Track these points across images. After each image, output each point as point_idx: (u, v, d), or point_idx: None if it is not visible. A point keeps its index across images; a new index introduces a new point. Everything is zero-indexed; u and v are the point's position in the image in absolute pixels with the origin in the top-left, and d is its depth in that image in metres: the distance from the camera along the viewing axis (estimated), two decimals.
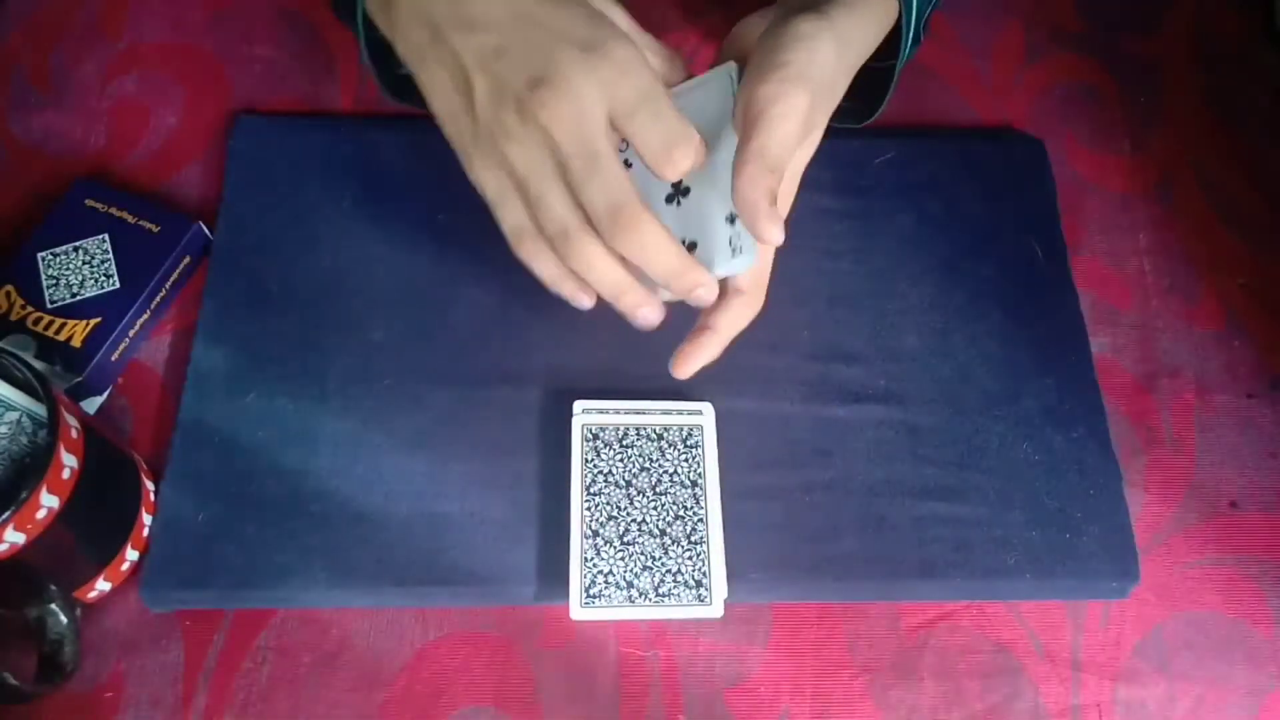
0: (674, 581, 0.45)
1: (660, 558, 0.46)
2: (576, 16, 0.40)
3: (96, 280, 0.51)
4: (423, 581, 0.46)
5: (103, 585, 0.45)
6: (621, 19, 0.43)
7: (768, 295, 0.44)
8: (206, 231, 0.54)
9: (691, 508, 0.47)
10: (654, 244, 0.39)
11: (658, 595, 0.45)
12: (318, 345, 0.51)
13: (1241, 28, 0.64)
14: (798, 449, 0.49)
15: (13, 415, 0.42)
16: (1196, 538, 0.50)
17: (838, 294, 0.53)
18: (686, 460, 0.48)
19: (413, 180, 0.55)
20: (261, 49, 0.60)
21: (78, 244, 0.51)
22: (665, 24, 0.62)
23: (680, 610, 0.45)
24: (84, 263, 0.51)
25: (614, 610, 0.45)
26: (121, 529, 0.45)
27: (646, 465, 0.47)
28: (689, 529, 0.46)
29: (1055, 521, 0.48)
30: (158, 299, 0.52)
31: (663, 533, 0.46)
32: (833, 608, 0.48)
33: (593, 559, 0.45)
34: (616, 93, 0.39)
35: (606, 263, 0.40)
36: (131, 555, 0.46)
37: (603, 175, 0.39)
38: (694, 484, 0.47)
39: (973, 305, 0.53)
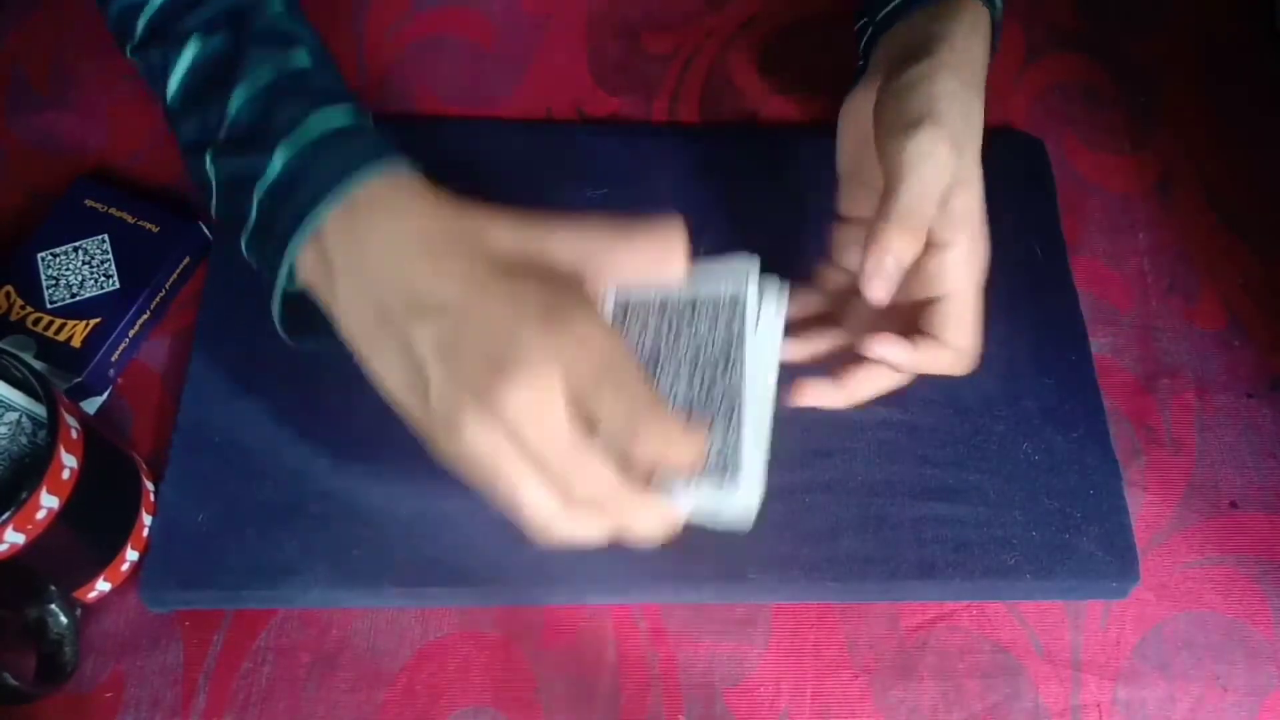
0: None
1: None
2: (532, 282, 0.38)
3: (96, 280, 0.51)
4: (423, 581, 0.46)
5: (103, 585, 0.45)
6: (584, 239, 0.40)
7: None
8: (206, 231, 0.54)
9: (722, 386, 0.40)
10: (649, 516, 0.38)
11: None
12: None
13: (1241, 28, 0.64)
14: (798, 449, 0.49)
15: (13, 415, 0.42)
16: (1196, 538, 0.50)
17: None
18: (724, 331, 0.41)
19: None
20: None
21: (77, 244, 0.51)
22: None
23: (703, 502, 0.39)
24: (84, 263, 0.51)
25: None
26: (121, 529, 0.45)
27: (675, 340, 0.42)
28: (720, 409, 0.40)
29: (1055, 521, 0.48)
30: (157, 299, 0.52)
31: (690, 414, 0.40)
32: (833, 608, 0.48)
33: None
34: (580, 369, 0.36)
35: (594, 531, 0.39)
36: (131, 555, 0.46)
37: (582, 471, 0.36)
38: (727, 358, 0.41)
39: None
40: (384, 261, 0.39)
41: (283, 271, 0.40)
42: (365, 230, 0.39)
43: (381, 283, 0.38)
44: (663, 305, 0.42)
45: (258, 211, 0.41)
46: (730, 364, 0.40)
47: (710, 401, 0.40)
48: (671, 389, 0.40)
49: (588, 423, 0.36)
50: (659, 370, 0.41)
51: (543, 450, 0.36)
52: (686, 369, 0.41)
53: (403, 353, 0.38)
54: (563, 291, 0.37)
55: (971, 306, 0.44)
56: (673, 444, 0.36)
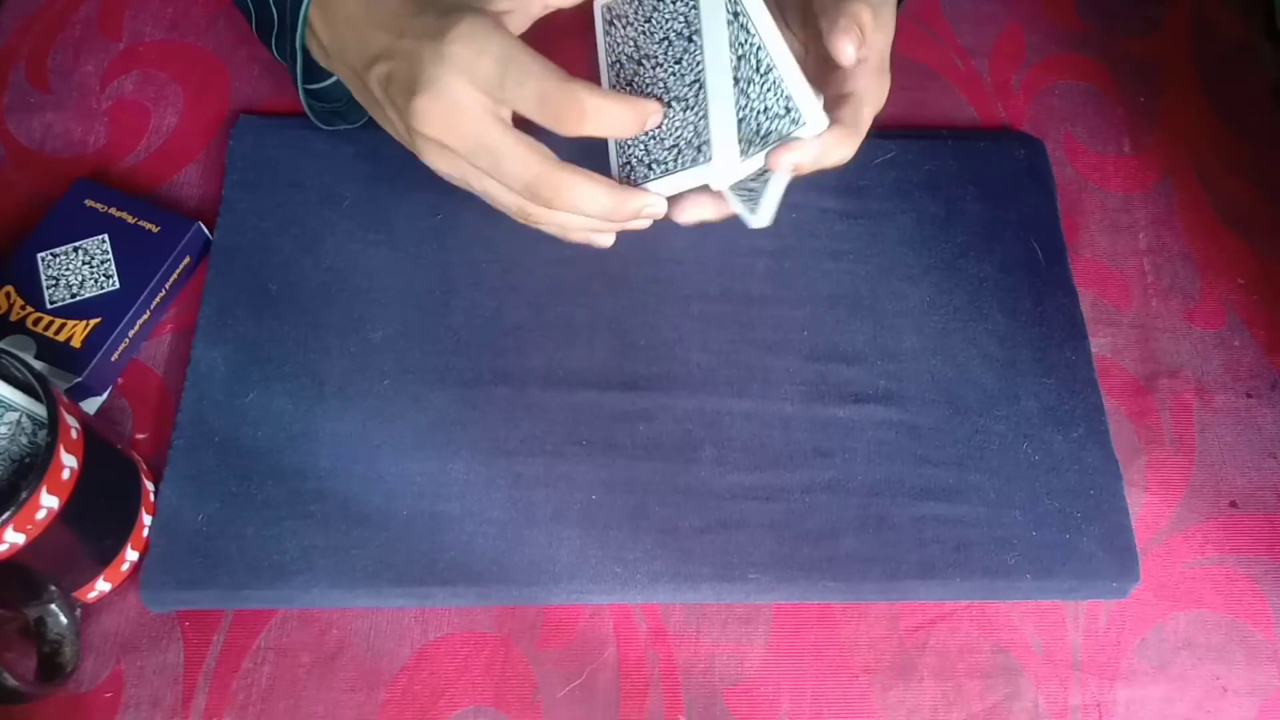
0: (683, 146, 0.41)
1: (672, 125, 0.41)
2: (432, 9, 0.41)
3: (96, 280, 0.51)
4: (423, 581, 0.46)
5: (103, 585, 0.45)
6: None
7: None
8: (206, 232, 0.54)
9: (689, 63, 0.40)
10: (582, 196, 0.41)
11: (673, 166, 0.40)
12: (318, 345, 0.51)
13: (1241, 28, 0.64)
14: (798, 449, 0.49)
15: (13, 415, 0.42)
16: (1196, 538, 0.50)
17: (838, 294, 0.53)
18: (683, 5, 0.41)
19: (412, 180, 0.55)
20: (261, 49, 0.60)
21: (77, 244, 0.51)
22: None
23: (687, 177, 0.40)
24: (84, 263, 0.51)
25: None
26: (121, 529, 0.45)
27: (655, 29, 0.42)
28: (688, 88, 0.41)
29: (1055, 521, 0.48)
30: (158, 299, 0.52)
31: (672, 100, 0.41)
32: (833, 608, 0.48)
33: (623, 143, 0.42)
34: (479, 73, 0.39)
35: (564, 219, 0.42)
36: (131, 555, 0.46)
37: (506, 162, 0.40)
38: (690, 37, 0.41)
39: (973, 305, 0.53)
40: (346, 30, 0.44)
41: (299, 60, 0.47)
42: (333, 9, 0.44)
43: (348, 48, 0.44)
44: (638, 1, 0.43)
45: (277, 14, 0.48)
46: (692, 33, 0.41)
47: (682, 77, 0.41)
48: (656, 78, 0.41)
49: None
50: (648, 63, 0.42)
51: (469, 153, 0.40)
52: (663, 53, 0.42)
53: (374, 102, 0.43)
54: (459, 11, 0.40)
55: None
56: (590, 115, 0.38)
